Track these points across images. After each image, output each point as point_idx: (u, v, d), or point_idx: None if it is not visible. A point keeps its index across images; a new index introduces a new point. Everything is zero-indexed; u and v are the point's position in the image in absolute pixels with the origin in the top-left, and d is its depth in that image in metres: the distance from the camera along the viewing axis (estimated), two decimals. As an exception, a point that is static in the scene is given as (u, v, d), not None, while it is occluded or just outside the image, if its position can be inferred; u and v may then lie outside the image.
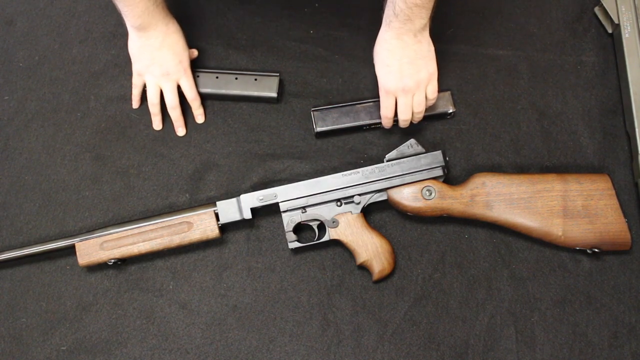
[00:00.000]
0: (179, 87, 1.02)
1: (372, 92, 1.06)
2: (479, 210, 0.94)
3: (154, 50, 0.98)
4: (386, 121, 0.99)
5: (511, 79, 1.07)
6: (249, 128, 1.05)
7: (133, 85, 1.03)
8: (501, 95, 1.07)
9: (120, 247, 0.94)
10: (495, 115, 1.05)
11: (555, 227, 0.92)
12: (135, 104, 1.05)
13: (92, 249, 0.93)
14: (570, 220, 0.92)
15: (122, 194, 1.02)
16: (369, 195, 0.95)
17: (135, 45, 0.99)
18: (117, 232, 0.94)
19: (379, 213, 1.00)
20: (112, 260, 0.94)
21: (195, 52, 1.06)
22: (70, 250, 0.95)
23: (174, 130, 1.04)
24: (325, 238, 0.95)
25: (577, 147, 1.03)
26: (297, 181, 0.95)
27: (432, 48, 0.94)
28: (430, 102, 0.97)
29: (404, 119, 0.97)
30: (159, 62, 0.98)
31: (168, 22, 0.98)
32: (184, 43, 1.01)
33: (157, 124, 1.04)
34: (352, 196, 0.95)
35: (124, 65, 1.08)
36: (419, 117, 0.98)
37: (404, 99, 0.94)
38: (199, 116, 1.05)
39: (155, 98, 1.01)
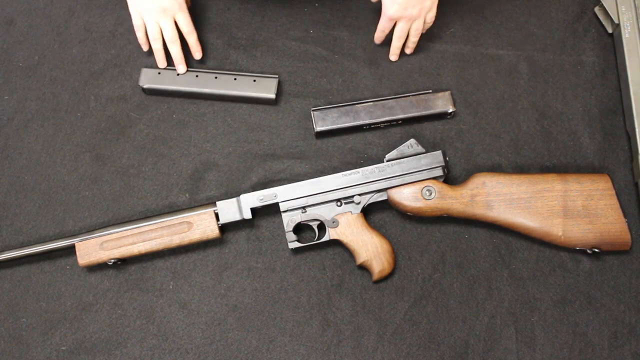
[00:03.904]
0: (176, 24, 1.03)
1: (372, 92, 1.06)
2: (479, 210, 0.94)
3: None
4: (379, 36, 1.06)
5: (511, 79, 1.07)
6: (249, 128, 1.05)
7: (135, 28, 1.03)
8: (501, 95, 1.07)
9: (120, 247, 0.94)
10: (495, 115, 1.05)
11: (555, 227, 0.92)
12: (144, 46, 1.07)
13: (92, 249, 0.93)
14: (570, 220, 0.92)
15: (122, 194, 1.02)
16: (369, 195, 0.95)
17: None
18: (117, 232, 0.94)
19: (379, 213, 1.00)
20: (112, 260, 0.94)
21: None
22: (70, 250, 0.95)
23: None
24: (325, 238, 0.95)
25: (577, 147, 1.03)
26: (297, 181, 0.95)
27: None
28: (428, 26, 1.02)
29: (397, 45, 1.04)
30: None
31: None
32: None
33: (161, 60, 1.05)
34: (352, 196, 0.95)
35: (124, 65, 1.08)
36: (413, 44, 1.05)
37: (403, 24, 1.01)
38: (196, 52, 1.06)
39: (156, 33, 1.02)
